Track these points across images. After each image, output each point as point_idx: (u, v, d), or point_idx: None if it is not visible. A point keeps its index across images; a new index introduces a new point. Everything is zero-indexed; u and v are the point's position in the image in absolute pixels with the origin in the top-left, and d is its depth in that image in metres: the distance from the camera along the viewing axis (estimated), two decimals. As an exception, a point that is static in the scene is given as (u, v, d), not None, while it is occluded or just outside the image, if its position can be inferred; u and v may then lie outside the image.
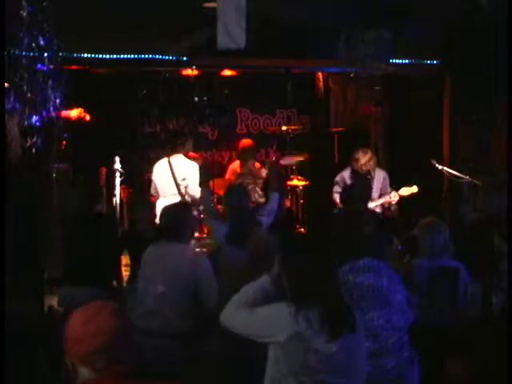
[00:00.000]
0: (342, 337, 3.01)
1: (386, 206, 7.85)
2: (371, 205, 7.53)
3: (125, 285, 7.18)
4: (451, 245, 5.03)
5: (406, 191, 7.75)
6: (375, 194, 7.80)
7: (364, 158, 7.83)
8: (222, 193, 8.19)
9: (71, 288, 4.88)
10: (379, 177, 7.95)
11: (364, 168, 7.84)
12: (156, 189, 7.70)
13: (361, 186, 7.02)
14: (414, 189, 7.74)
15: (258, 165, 9.16)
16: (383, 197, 7.78)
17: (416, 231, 5.12)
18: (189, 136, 8.15)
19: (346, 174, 7.95)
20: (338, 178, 8.00)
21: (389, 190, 7.83)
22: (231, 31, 6.87)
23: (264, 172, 8.77)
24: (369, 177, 7.86)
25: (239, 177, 8.74)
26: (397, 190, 7.76)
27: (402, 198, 7.74)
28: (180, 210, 5.06)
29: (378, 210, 7.63)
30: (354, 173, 7.84)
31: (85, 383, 2.33)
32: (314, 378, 3.03)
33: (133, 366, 2.38)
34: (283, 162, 9.15)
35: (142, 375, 2.40)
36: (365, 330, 3.36)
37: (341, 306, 3.10)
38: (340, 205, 7.53)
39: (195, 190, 7.47)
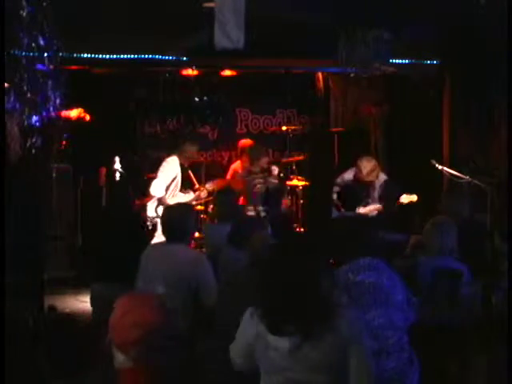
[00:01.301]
0: (289, 335, 2.96)
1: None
2: (364, 209, 7.50)
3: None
4: (457, 247, 5.02)
5: (405, 198, 7.64)
6: (375, 196, 7.78)
7: (368, 167, 7.73)
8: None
9: (102, 285, 4.96)
10: (379, 180, 7.90)
11: (368, 178, 7.75)
12: None
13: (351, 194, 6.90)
14: (414, 197, 7.62)
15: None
16: (376, 203, 7.71)
17: (426, 228, 5.10)
18: (186, 138, 8.30)
19: (346, 177, 7.92)
20: (338, 180, 7.97)
21: (388, 194, 7.76)
22: (229, 31, 6.87)
23: (276, 170, 8.70)
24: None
25: (249, 174, 8.59)
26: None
27: (400, 204, 7.62)
28: (182, 211, 5.05)
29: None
30: (356, 180, 7.80)
31: (119, 370, 2.34)
32: (285, 376, 3.00)
33: (168, 361, 2.38)
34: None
35: (175, 371, 2.40)
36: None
37: (301, 303, 3.03)
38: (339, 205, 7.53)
39: (153, 188, 7.69)
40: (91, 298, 5.48)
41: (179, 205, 5.96)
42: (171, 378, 2.37)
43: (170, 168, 7.84)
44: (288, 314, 3.00)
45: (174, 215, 4.92)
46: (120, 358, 2.34)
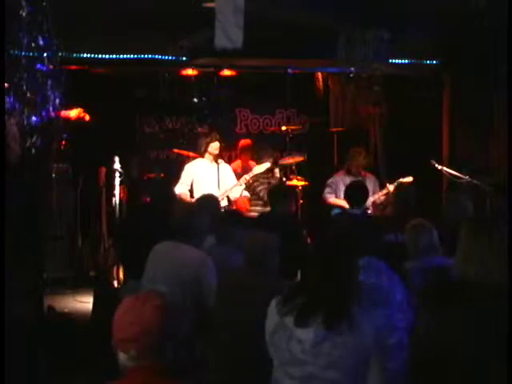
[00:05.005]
0: (321, 328, 3.00)
1: (381, 201, 7.82)
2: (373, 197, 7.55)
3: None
4: (439, 245, 5.01)
5: (403, 180, 7.75)
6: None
7: (359, 157, 7.92)
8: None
9: (137, 282, 4.99)
10: (370, 180, 7.92)
11: (358, 166, 7.91)
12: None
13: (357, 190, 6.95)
14: (409, 178, 7.74)
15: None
16: (377, 193, 7.78)
17: (404, 235, 5.14)
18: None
19: (339, 177, 7.97)
20: (330, 181, 8.03)
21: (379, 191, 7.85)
22: (228, 31, 6.88)
23: (277, 173, 8.74)
24: (360, 179, 7.80)
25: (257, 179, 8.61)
26: (391, 182, 7.76)
27: (396, 189, 7.72)
28: (191, 211, 5.03)
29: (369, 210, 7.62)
30: (349, 174, 7.87)
31: (125, 370, 2.32)
32: (303, 370, 3.04)
33: (172, 363, 2.36)
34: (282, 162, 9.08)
35: (177, 375, 2.38)
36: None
37: (329, 298, 3.07)
38: (333, 204, 7.61)
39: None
40: (124, 295, 5.46)
41: (191, 204, 5.93)
42: (172, 378, 2.36)
43: (185, 173, 7.99)
44: (318, 306, 3.04)
45: (183, 214, 4.90)
46: (121, 357, 2.33)
